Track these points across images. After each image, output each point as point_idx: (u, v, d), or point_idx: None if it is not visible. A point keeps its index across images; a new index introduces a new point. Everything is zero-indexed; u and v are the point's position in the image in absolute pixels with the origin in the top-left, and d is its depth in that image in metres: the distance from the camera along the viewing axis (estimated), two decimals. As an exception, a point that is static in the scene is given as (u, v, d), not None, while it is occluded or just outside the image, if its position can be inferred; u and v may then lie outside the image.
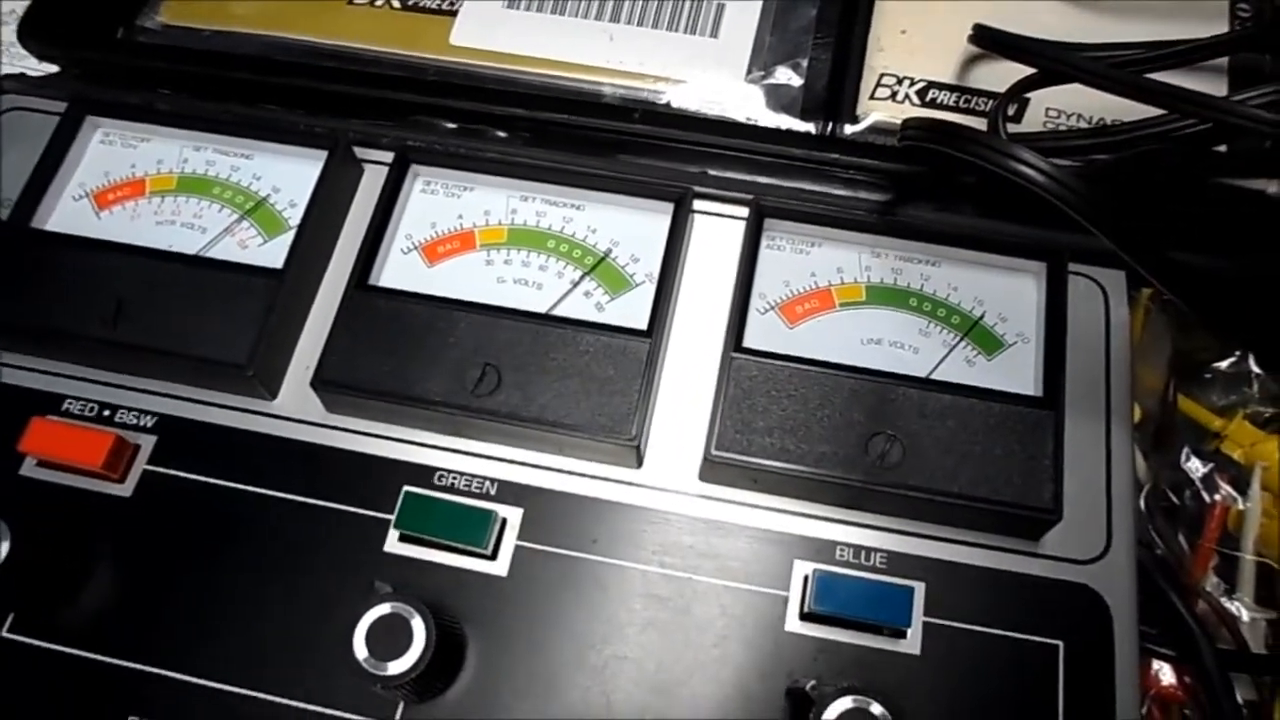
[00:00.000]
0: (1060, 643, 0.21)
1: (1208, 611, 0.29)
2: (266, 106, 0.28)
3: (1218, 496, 0.29)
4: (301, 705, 0.21)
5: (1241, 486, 0.29)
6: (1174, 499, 0.30)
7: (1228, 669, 0.27)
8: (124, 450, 0.23)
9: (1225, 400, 0.29)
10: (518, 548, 0.22)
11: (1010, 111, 0.29)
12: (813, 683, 0.20)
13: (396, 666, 0.19)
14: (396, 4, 0.31)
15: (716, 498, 0.23)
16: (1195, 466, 0.30)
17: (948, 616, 0.22)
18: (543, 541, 0.22)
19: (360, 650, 0.19)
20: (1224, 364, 0.29)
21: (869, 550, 0.22)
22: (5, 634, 0.22)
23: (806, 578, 0.22)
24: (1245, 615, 0.28)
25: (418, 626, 0.20)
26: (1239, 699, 0.28)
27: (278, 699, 0.21)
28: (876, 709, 0.19)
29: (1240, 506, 0.29)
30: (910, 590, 0.21)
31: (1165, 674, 0.29)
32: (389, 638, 0.20)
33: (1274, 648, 0.28)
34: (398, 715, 0.21)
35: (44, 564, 0.22)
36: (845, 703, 0.19)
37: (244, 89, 0.29)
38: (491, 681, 0.21)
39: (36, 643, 0.22)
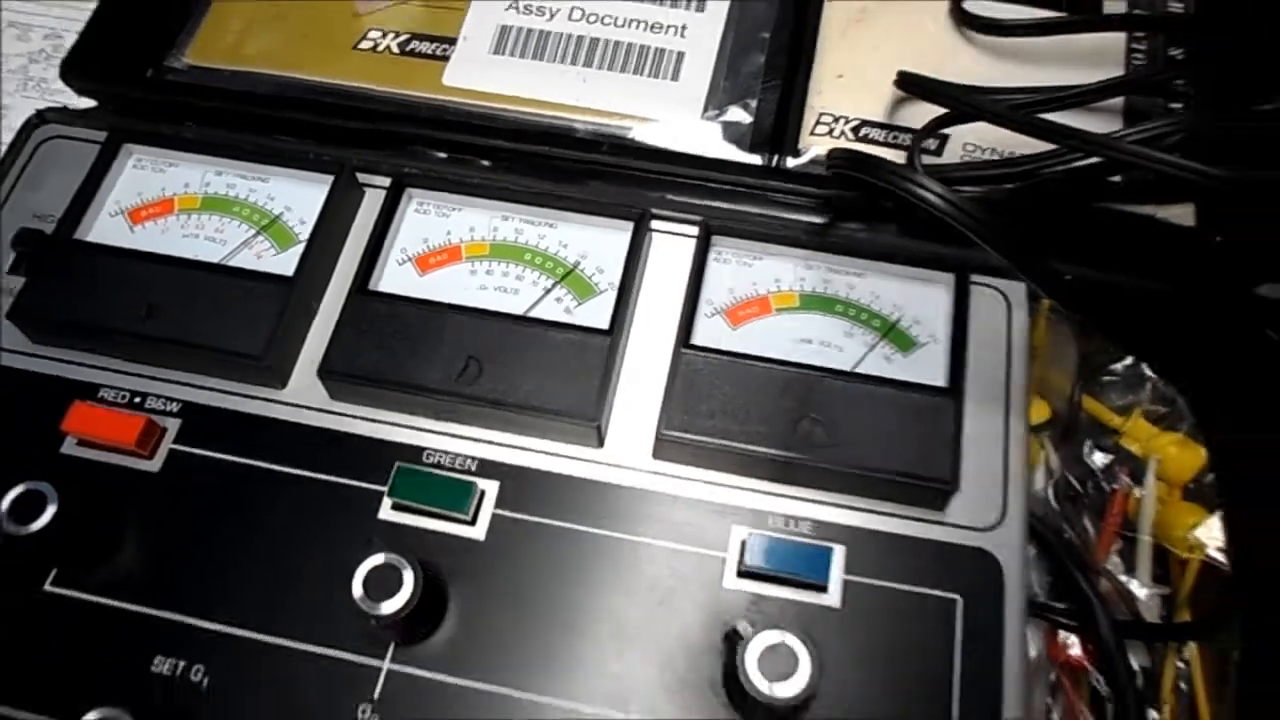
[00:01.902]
0: (959, 597, 0.25)
1: (1110, 590, 0.33)
2: (280, 137, 0.32)
3: (1118, 486, 0.33)
4: (306, 646, 0.24)
5: (1138, 477, 0.33)
6: (1080, 488, 0.33)
7: (1123, 637, 0.31)
8: (153, 431, 0.27)
9: (1124, 400, 0.33)
10: (494, 515, 0.26)
11: (933, 146, 0.33)
12: (744, 623, 0.23)
13: (388, 606, 0.23)
14: (395, 49, 0.36)
15: (667, 473, 0.26)
16: (1098, 459, 0.33)
17: (863, 574, 0.25)
18: (516, 510, 0.26)
19: (358, 591, 0.23)
20: (1120, 366, 0.33)
21: (797, 519, 0.26)
22: (48, 587, 0.25)
23: (743, 541, 0.25)
24: (1142, 592, 0.32)
25: (407, 575, 0.23)
26: (1134, 664, 0.31)
27: (285, 641, 0.24)
28: (793, 640, 0.22)
29: (1137, 494, 0.33)
30: (830, 551, 0.25)
31: (1073, 647, 0.32)
32: (382, 583, 0.23)
33: (1166, 619, 0.31)
34: (388, 656, 0.24)
35: (82, 527, 0.25)
36: (770, 635, 0.22)
37: (260, 122, 0.33)
38: (470, 631, 0.25)
39: (75, 594, 0.25)
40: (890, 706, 0.24)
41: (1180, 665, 0.30)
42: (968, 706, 0.24)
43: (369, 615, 0.23)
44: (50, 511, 0.24)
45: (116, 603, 0.25)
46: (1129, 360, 0.33)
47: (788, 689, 0.22)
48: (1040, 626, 0.32)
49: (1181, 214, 0.33)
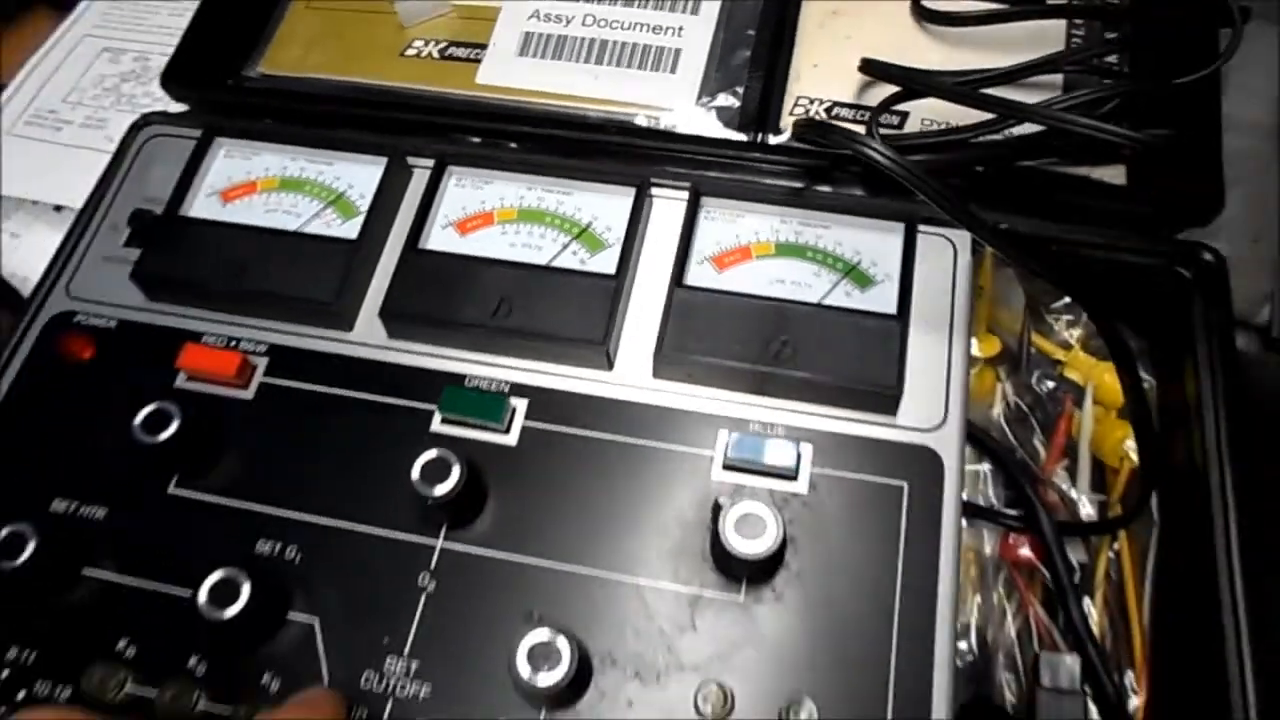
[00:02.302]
0: (906, 484, 0.30)
1: (1056, 499, 0.38)
2: (341, 130, 0.38)
3: (1062, 409, 0.38)
4: (376, 530, 0.30)
5: (1079, 401, 0.38)
6: (1030, 413, 0.38)
7: (1062, 535, 0.35)
8: (247, 367, 0.33)
9: (1066, 335, 0.38)
10: (524, 426, 0.32)
11: (895, 121, 0.39)
12: (726, 499, 0.29)
13: (440, 489, 0.28)
14: (436, 55, 0.42)
15: (665, 389, 0.32)
16: (1045, 387, 0.38)
17: (827, 466, 0.30)
18: (542, 421, 0.32)
19: (415, 475, 0.28)
20: (1060, 305, 0.38)
21: (773, 424, 0.31)
22: (172, 490, 0.32)
23: (727, 442, 0.31)
24: (1082, 499, 0.37)
25: (455, 466, 0.29)
26: (1074, 560, 0.36)
27: (358, 526, 0.30)
28: (762, 509, 0.27)
29: (1078, 416, 0.38)
30: (798, 445, 0.30)
31: (1023, 547, 0.37)
32: (435, 471, 0.29)
33: (1100, 519, 0.36)
34: (441, 535, 0.30)
35: (196, 442, 0.31)
36: (744, 506, 0.28)
37: (324, 118, 0.39)
38: (506, 516, 0.30)
39: (193, 494, 0.31)
40: (848, 573, 0.29)
41: (1111, 556, 0.35)
42: (910, 571, 0.29)
43: (425, 497, 0.29)
44: (174, 426, 0.31)
45: (225, 500, 0.31)
46: (1067, 300, 0.38)
47: (757, 547, 0.27)
48: (996, 531, 0.37)
49: (1114, 174, 0.38)
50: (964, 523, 0.36)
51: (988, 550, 0.37)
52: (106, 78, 0.54)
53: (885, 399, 0.31)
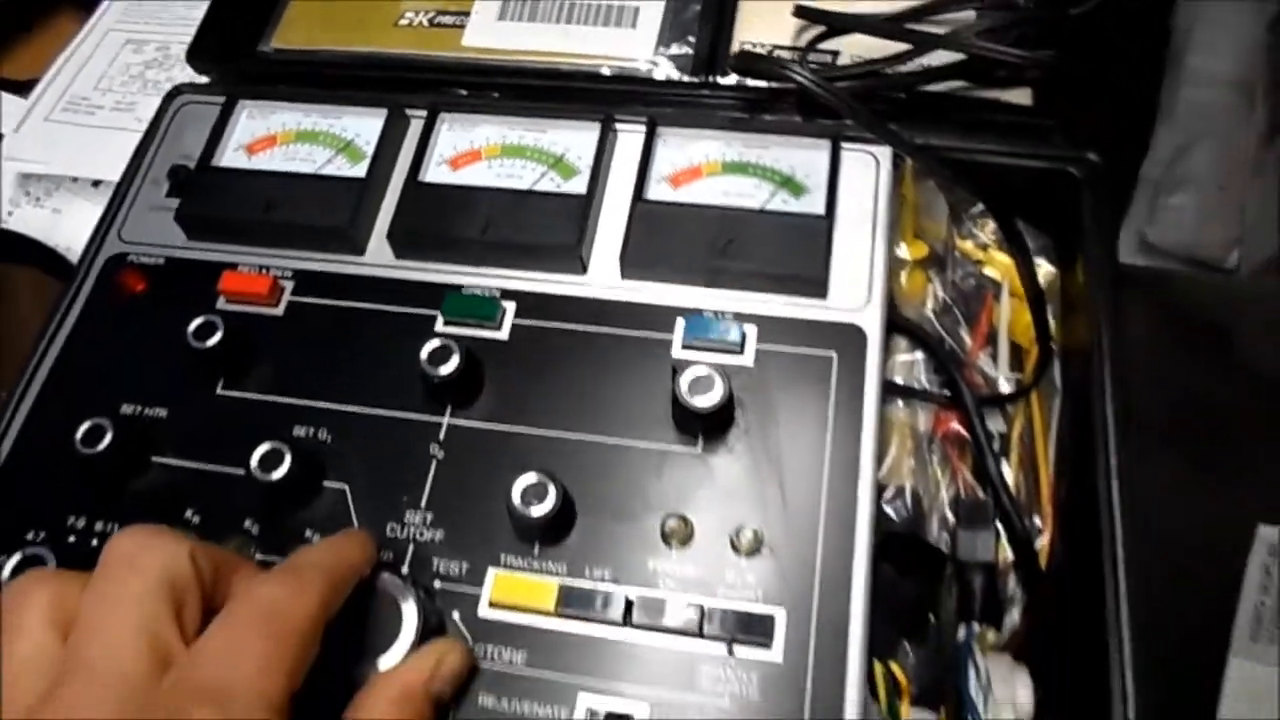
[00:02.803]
0: (834, 354, 0.36)
1: (980, 382, 0.43)
2: (347, 90, 0.44)
3: (983, 302, 0.43)
4: (391, 412, 0.36)
5: (998, 294, 0.43)
6: (955, 307, 0.44)
7: (981, 406, 0.41)
8: (277, 288, 0.39)
9: (985, 238, 0.44)
10: (514, 324, 0.37)
11: (828, 59, 0.44)
12: (682, 364, 0.34)
13: (444, 369, 0.34)
14: (426, 23, 0.48)
15: (632, 288, 0.38)
16: (969, 284, 0.44)
17: (769, 343, 0.36)
18: (529, 319, 0.37)
19: (424, 358, 0.34)
20: (977, 211, 0.43)
21: (722, 311, 0.37)
22: (220, 391, 0.37)
23: (684, 324, 0.36)
24: (1001, 378, 0.42)
25: (456, 351, 0.35)
26: (993, 429, 0.41)
27: (376, 410, 0.36)
28: (711, 370, 0.33)
29: (998, 307, 0.43)
30: (742, 325, 0.36)
31: (953, 423, 0.43)
32: (439, 355, 0.35)
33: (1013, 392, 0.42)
34: (447, 413, 0.36)
35: (237, 349, 0.37)
36: (696, 369, 0.33)
37: (332, 81, 0.45)
38: (502, 396, 0.36)
39: (238, 394, 0.37)
40: (788, 427, 0.35)
41: (1024, 424, 0.40)
42: (839, 423, 0.34)
43: (432, 378, 0.34)
44: (219, 335, 0.36)
45: (265, 396, 0.37)
46: (984, 206, 0.43)
47: (707, 401, 0.33)
48: (929, 409, 0.43)
49: (1021, 95, 0.44)
50: (900, 403, 0.42)
51: (922, 427, 0.43)
52: (132, 66, 0.60)
53: (815, 284, 0.36)
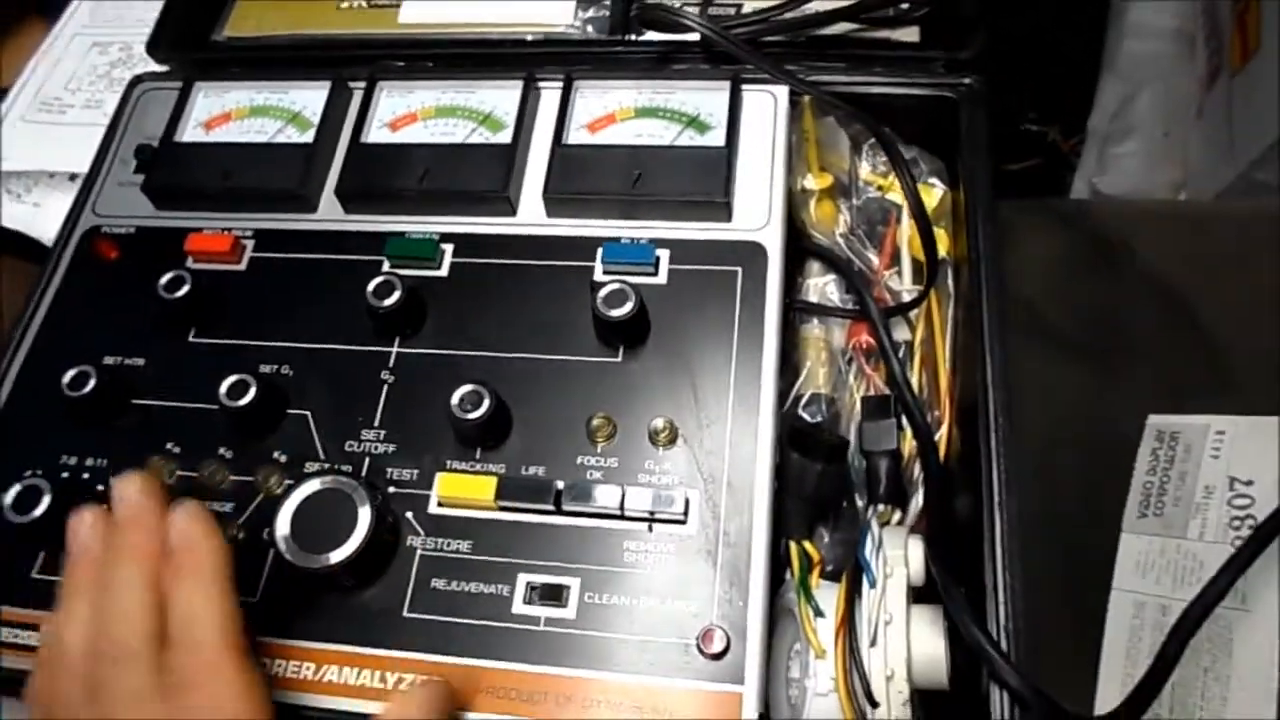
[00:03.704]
0: (739, 269, 0.40)
1: (885, 295, 0.47)
2: (293, 68, 0.48)
3: (888, 225, 0.48)
4: (345, 346, 0.40)
5: (900, 217, 0.47)
6: (861, 231, 0.48)
7: (888, 316, 0.45)
8: (239, 246, 0.43)
9: (885, 166, 0.48)
10: (453, 263, 0.41)
11: (734, 10, 0.48)
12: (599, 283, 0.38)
13: (388, 301, 0.38)
14: (365, 5, 0.52)
15: (556, 224, 0.42)
16: (874, 207, 0.48)
17: (681, 264, 0.40)
18: (465, 257, 0.41)
19: (370, 292, 0.38)
20: (874, 142, 0.47)
21: (636, 239, 0.41)
22: (191, 339, 0.41)
23: (603, 252, 0.40)
24: (904, 290, 0.46)
25: (398, 287, 0.39)
26: (901, 338, 0.46)
27: (329, 345, 0.40)
28: (623, 285, 0.37)
29: (900, 228, 0.47)
30: (654, 248, 0.40)
31: (864, 334, 0.47)
32: (382, 290, 0.39)
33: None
34: (395, 343, 0.40)
35: (205, 301, 0.41)
36: (611, 285, 0.37)
37: (280, 61, 0.49)
38: (442, 328, 0.40)
39: (208, 340, 0.41)
40: (699, 335, 0.39)
41: (925, 331, 0.45)
42: (745, 328, 0.38)
43: (377, 309, 0.38)
44: (187, 287, 0.40)
45: (232, 340, 0.41)
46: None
47: (621, 311, 0.37)
48: (843, 324, 0.47)
49: (909, 34, 0.48)
50: (815, 320, 0.46)
51: (837, 342, 0.47)
52: (98, 66, 0.64)
53: (719, 208, 0.40)
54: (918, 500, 0.42)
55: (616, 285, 0.37)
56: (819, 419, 0.44)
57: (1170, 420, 0.47)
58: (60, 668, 0.31)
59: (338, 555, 0.34)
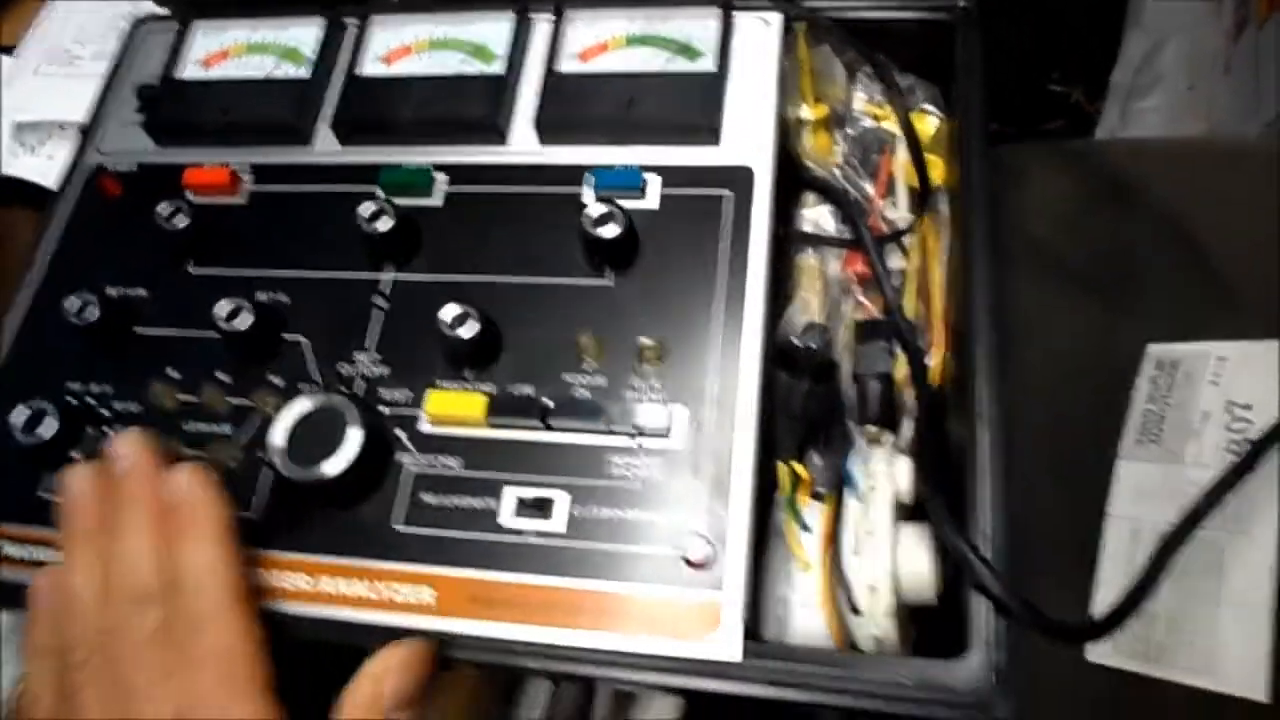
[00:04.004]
0: (729, 192, 0.40)
1: (882, 227, 0.47)
2: (290, 5, 0.48)
3: (882, 154, 0.47)
4: (338, 274, 0.41)
5: (895, 147, 0.47)
6: (857, 160, 0.47)
7: (882, 244, 0.45)
8: (237, 179, 0.44)
9: (880, 96, 0.47)
10: (447, 192, 0.42)
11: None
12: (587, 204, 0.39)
13: (380, 226, 0.39)
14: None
15: (550, 152, 0.42)
16: (870, 137, 0.48)
17: (671, 188, 0.40)
18: (459, 186, 0.42)
19: (364, 216, 0.39)
20: (870, 71, 0.47)
21: (628, 165, 0.41)
22: (191, 269, 0.42)
23: (593, 177, 0.40)
24: (900, 220, 0.46)
25: (388, 212, 0.39)
26: (889, 264, 0.45)
27: (324, 274, 0.41)
28: (610, 208, 0.37)
29: (895, 157, 0.47)
30: (641, 172, 0.40)
31: (859, 263, 0.47)
32: (376, 214, 0.39)
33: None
34: (390, 270, 0.40)
35: (204, 233, 0.42)
36: (598, 207, 0.38)
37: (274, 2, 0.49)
38: (435, 255, 0.41)
39: (205, 271, 0.42)
40: (688, 257, 0.39)
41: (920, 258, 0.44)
42: (733, 250, 0.38)
43: (371, 235, 0.39)
44: (184, 218, 0.41)
45: (230, 271, 0.42)
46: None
47: (608, 231, 0.37)
48: (839, 254, 0.46)
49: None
50: (810, 250, 0.46)
51: (833, 272, 0.47)
52: (107, 18, 0.65)
53: (708, 132, 0.40)
54: (909, 425, 0.42)
55: (605, 208, 0.38)
56: (814, 346, 0.44)
57: (1171, 349, 0.46)
58: (71, 615, 0.31)
59: (330, 468, 0.34)
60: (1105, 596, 0.44)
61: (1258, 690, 0.39)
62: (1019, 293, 0.56)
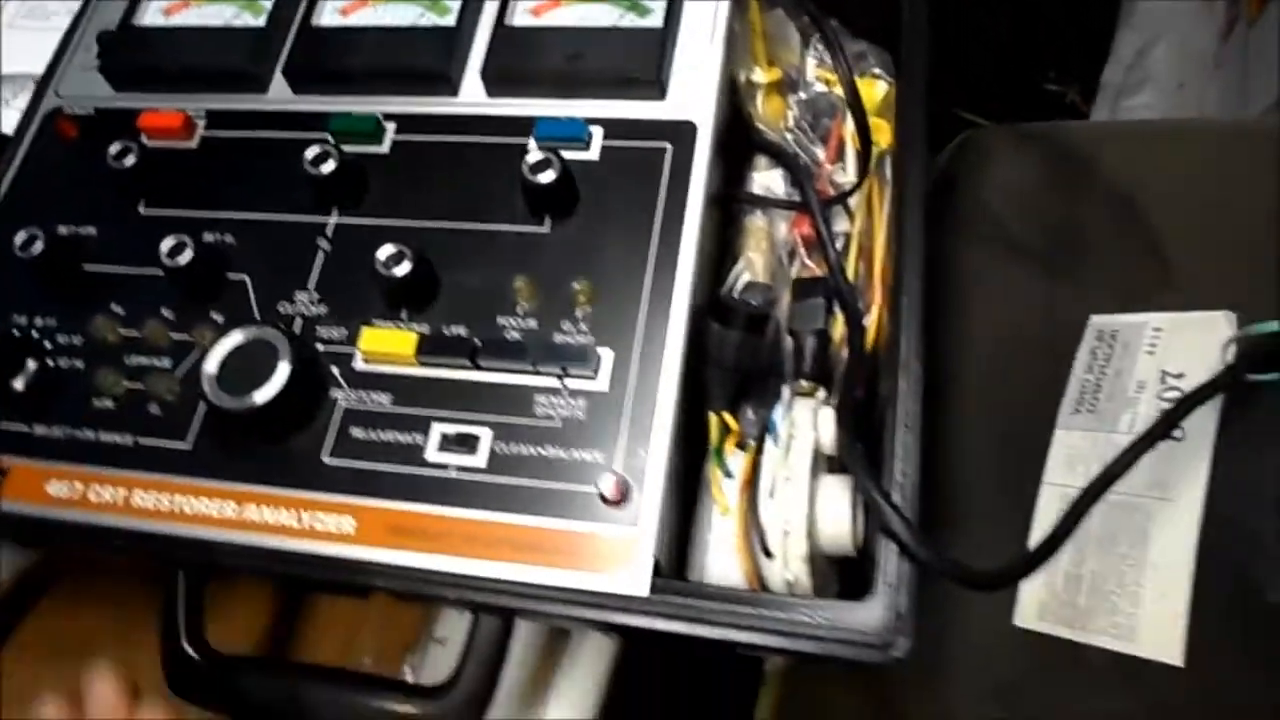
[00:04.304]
0: (669, 144, 0.40)
1: (829, 190, 0.47)
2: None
3: (833, 119, 0.48)
4: (287, 216, 0.41)
5: (846, 112, 0.47)
6: (808, 124, 0.48)
7: (827, 207, 0.45)
8: (190, 123, 0.44)
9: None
10: (394, 140, 0.42)
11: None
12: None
13: (325, 168, 0.39)
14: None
15: (498, 103, 0.42)
16: (823, 103, 0.48)
17: (614, 140, 0.41)
18: (407, 135, 0.42)
19: (307, 159, 0.39)
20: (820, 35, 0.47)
21: (573, 118, 0.41)
22: (141, 210, 0.43)
23: (537, 127, 0.41)
24: (848, 184, 0.47)
25: (332, 155, 0.40)
26: (837, 228, 0.46)
27: (269, 216, 0.41)
28: (546, 153, 0.38)
29: (845, 121, 0.47)
30: (584, 124, 0.40)
31: (805, 225, 0.47)
32: (320, 158, 0.40)
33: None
34: (334, 213, 0.41)
35: (157, 175, 0.43)
36: (536, 153, 0.38)
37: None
38: (380, 200, 0.41)
39: (155, 211, 0.43)
40: (625, 206, 0.39)
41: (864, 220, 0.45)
42: (670, 199, 0.39)
43: (315, 178, 0.40)
44: (134, 157, 0.42)
45: (179, 211, 0.42)
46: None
47: (545, 177, 0.38)
48: (788, 217, 0.47)
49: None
50: (759, 212, 0.47)
51: (781, 235, 0.47)
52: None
53: (652, 86, 0.41)
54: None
55: (543, 154, 0.38)
56: (752, 302, 0.45)
57: (1111, 319, 0.47)
58: None
59: (260, 396, 0.35)
60: (1036, 561, 0.44)
61: (1174, 655, 0.39)
62: (973, 265, 0.57)
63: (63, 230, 0.43)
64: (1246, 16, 1.02)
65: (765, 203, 0.46)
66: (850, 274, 0.45)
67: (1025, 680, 0.43)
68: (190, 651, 0.37)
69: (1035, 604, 0.43)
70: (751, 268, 0.46)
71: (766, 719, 0.58)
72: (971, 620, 0.45)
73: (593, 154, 0.41)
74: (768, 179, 0.48)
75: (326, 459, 0.36)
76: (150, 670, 0.37)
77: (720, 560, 0.35)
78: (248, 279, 0.40)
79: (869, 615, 0.32)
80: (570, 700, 0.46)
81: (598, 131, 0.41)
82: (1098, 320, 0.47)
